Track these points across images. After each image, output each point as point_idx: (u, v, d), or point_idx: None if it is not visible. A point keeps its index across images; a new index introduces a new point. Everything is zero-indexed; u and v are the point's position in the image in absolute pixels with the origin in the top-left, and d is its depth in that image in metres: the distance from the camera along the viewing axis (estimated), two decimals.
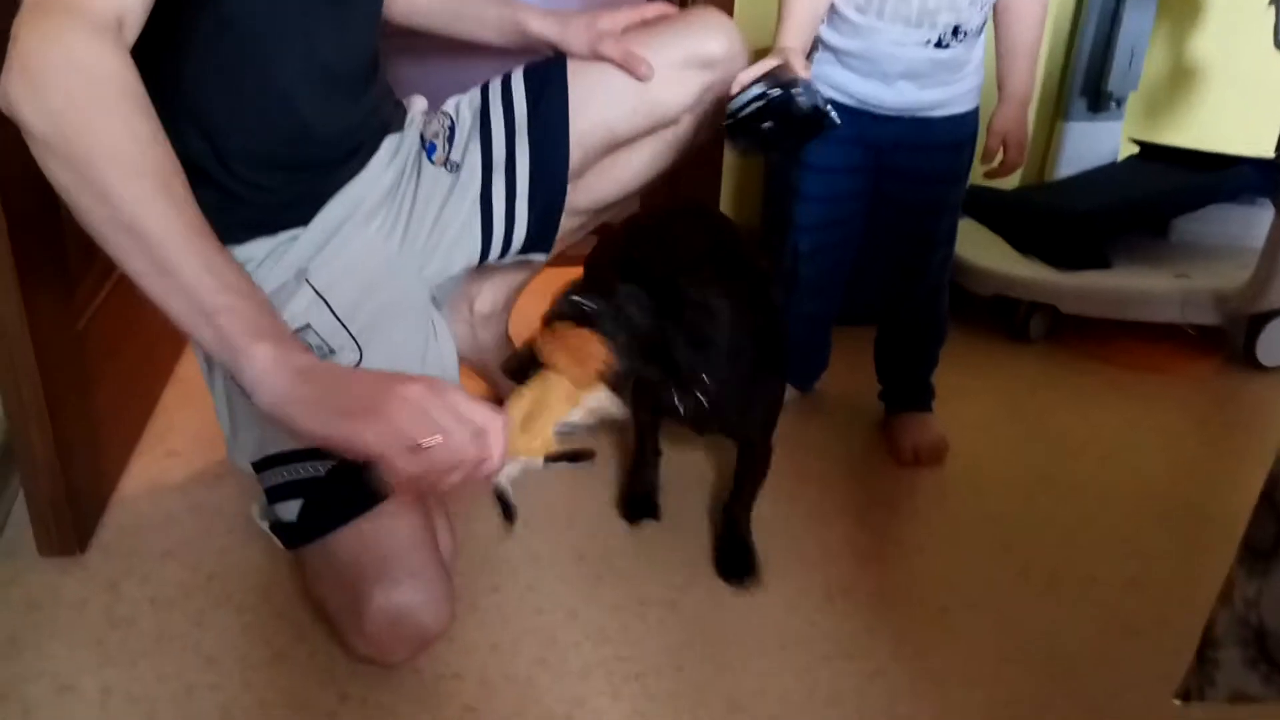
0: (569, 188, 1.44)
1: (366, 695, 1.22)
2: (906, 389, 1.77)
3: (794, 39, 1.47)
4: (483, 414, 0.94)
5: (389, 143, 1.40)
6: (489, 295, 1.69)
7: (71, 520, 1.40)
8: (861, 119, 1.55)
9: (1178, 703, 0.81)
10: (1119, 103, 2.39)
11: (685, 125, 1.50)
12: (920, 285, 1.69)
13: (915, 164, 1.60)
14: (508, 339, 1.76)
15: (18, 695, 1.20)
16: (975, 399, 1.85)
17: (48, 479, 1.35)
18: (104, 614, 1.32)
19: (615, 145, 1.47)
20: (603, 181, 1.51)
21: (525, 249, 1.46)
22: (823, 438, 1.76)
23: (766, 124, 1.37)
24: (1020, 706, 1.24)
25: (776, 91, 1.35)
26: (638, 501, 1.57)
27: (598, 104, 1.43)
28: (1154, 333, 2.09)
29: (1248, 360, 2.03)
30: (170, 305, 0.94)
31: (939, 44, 1.49)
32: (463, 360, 1.73)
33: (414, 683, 1.24)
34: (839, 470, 1.69)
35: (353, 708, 1.20)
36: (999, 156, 1.62)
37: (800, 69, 1.40)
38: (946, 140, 1.59)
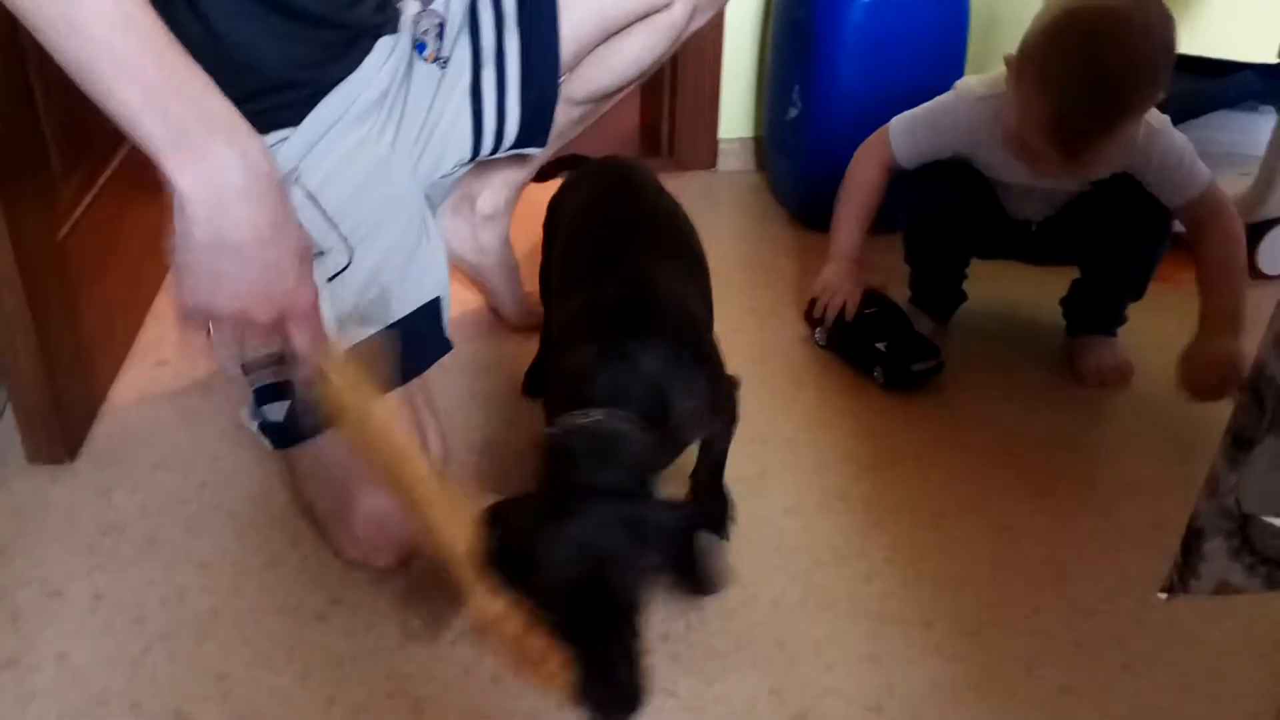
0: (564, 78, 1.42)
1: (358, 600, 1.22)
2: (1097, 312, 1.74)
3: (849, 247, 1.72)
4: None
5: (383, 44, 1.37)
6: (490, 195, 1.67)
7: (60, 428, 1.39)
8: None
9: (1163, 596, 0.81)
10: None
11: (679, 10, 1.48)
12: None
13: None
14: (508, 243, 1.74)
15: (7, 600, 1.20)
16: (974, 306, 1.83)
17: (34, 386, 1.35)
18: (95, 521, 1.32)
19: (608, 32, 1.45)
20: (598, 71, 1.49)
21: (519, 143, 1.44)
22: (818, 347, 1.75)
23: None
24: (1012, 609, 1.24)
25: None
26: None
27: None
28: None
29: (1249, 268, 2.00)
30: (115, 93, 0.84)
31: None
32: (462, 262, 1.72)
33: (405, 588, 1.24)
34: (835, 379, 1.67)
35: (343, 611, 1.21)
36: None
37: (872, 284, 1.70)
38: None
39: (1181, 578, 0.79)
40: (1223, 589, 0.76)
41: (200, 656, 1.14)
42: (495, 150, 1.45)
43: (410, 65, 1.40)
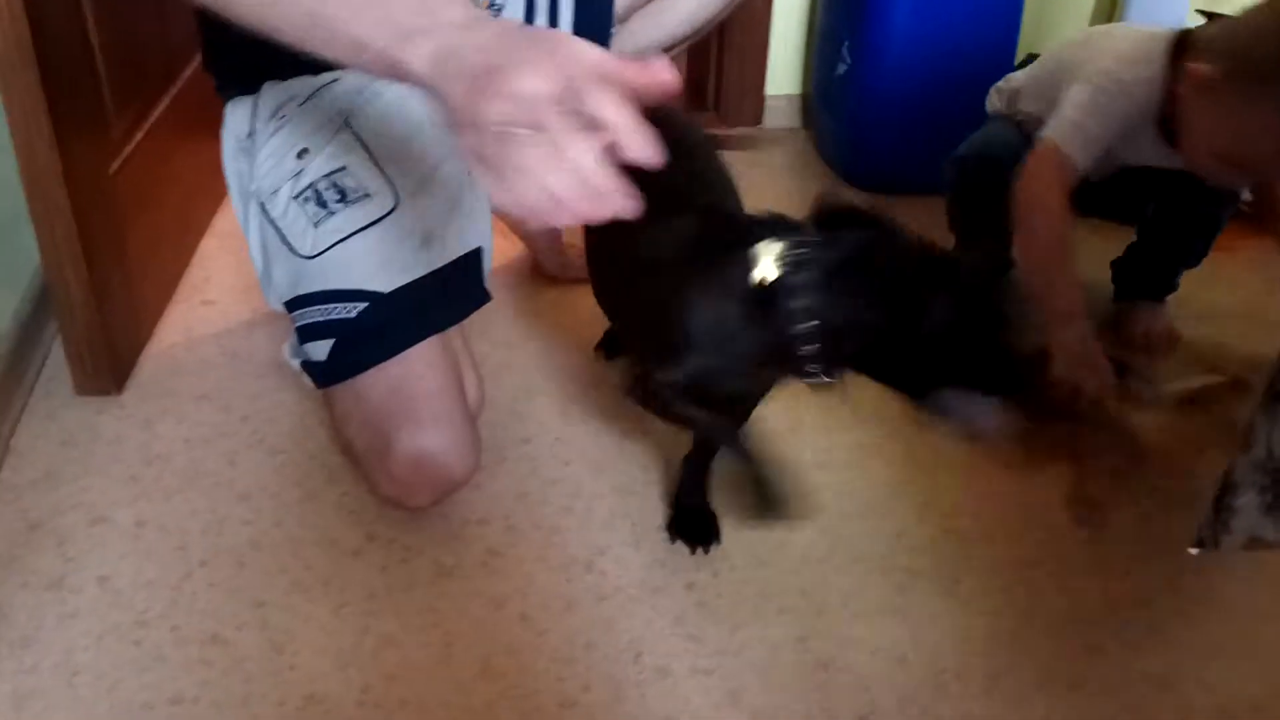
0: (614, 30, 1.41)
1: (393, 536, 1.24)
2: (1150, 277, 1.72)
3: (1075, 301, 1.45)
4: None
5: None
6: None
7: (108, 361, 1.42)
8: None
9: (1194, 551, 0.81)
10: None
11: None
12: None
13: None
14: None
15: (53, 525, 1.23)
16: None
17: (83, 318, 1.37)
18: (139, 451, 1.35)
19: None
20: (649, 27, 1.48)
21: None
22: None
23: None
24: (1041, 568, 1.24)
25: None
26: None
27: None
28: None
29: None
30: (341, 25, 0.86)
31: None
32: (502, 214, 1.72)
33: (440, 526, 1.26)
34: None
35: (379, 547, 1.23)
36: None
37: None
38: None
39: (1213, 532, 0.79)
40: (1254, 544, 0.76)
41: (239, 584, 1.17)
42: None
43: None
